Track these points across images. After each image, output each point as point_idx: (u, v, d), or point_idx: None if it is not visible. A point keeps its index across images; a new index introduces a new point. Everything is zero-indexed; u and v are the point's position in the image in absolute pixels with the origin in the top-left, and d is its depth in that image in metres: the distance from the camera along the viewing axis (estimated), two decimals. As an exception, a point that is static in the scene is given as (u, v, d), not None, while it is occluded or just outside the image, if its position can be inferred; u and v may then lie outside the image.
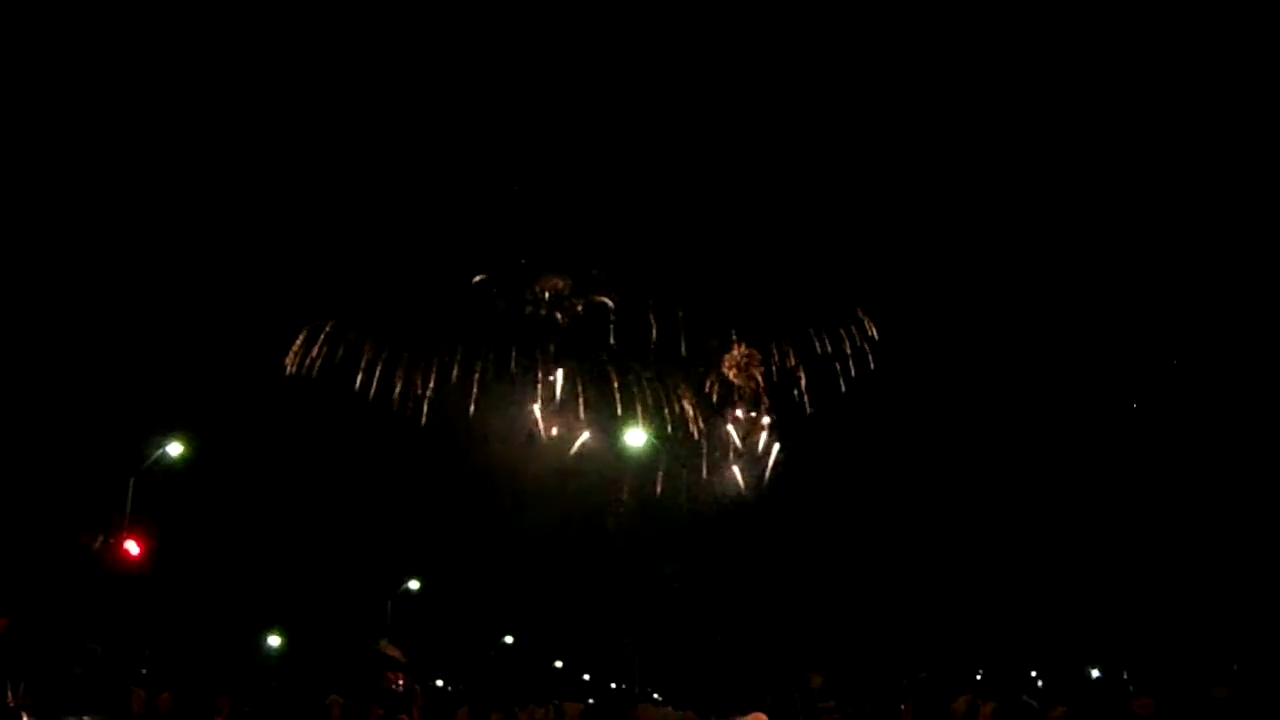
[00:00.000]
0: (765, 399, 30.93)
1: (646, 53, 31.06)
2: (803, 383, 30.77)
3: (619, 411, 30.80)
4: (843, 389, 30.64)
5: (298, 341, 29.35)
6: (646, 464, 31.84)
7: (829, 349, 30.37)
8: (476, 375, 29.50)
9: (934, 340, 34.98)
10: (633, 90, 31.27)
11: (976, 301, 35.06)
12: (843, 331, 30.34)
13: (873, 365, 30.09)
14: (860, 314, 30.23)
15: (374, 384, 29.42)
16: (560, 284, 30.39)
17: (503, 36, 30.74)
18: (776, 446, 31.27)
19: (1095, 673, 38.39)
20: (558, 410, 30.45)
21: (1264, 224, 31.59)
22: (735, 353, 30.90)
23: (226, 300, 32.46)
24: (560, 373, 30.39)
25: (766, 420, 31.13)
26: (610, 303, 30.15)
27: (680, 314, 30.36)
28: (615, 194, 30.93)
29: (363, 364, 29.30)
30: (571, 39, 30.58)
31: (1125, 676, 33.81)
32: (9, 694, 18.30)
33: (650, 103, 31.34)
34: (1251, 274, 32.41)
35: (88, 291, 30.73)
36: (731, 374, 30.87)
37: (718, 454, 31.27)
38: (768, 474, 31.23)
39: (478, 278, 29.97)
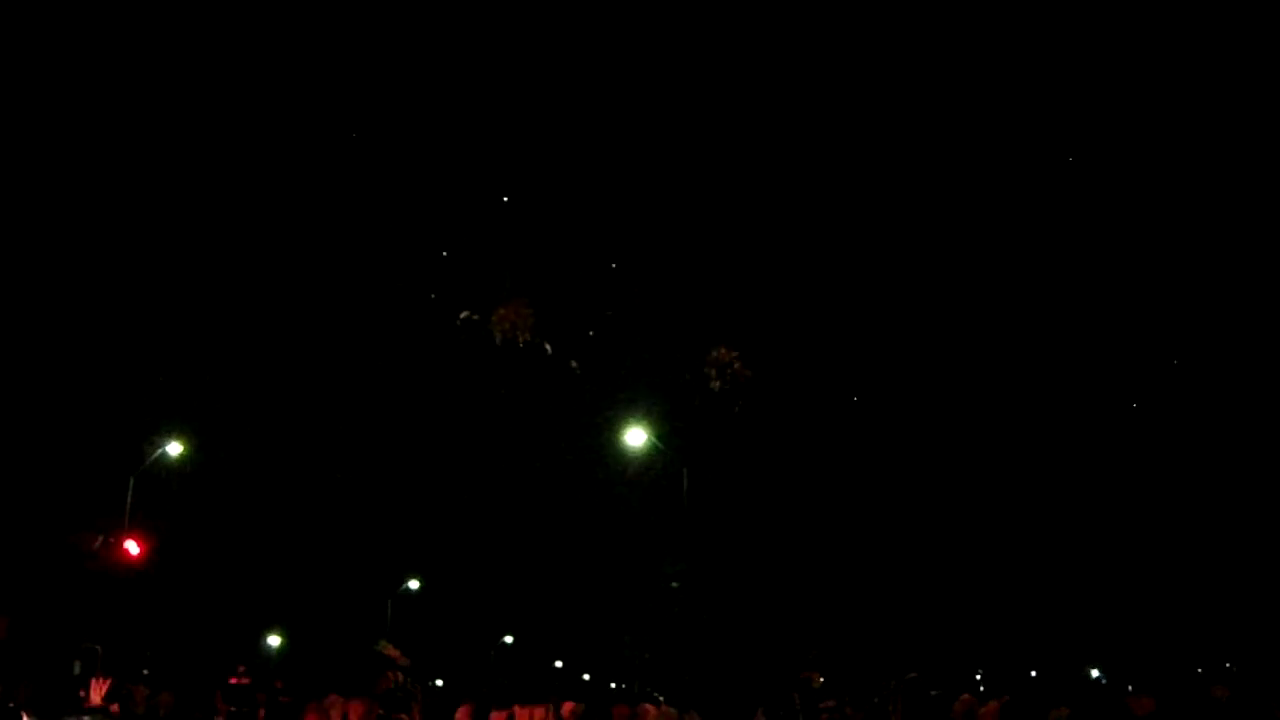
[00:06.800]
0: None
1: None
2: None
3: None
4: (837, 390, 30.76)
5: None
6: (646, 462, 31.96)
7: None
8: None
9: (933, 339, 35.03)
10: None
11: (979, 300, 35.09)
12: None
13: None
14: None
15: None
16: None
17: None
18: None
19: (1095, 673, 38.36)
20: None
21: (1264, 224, 31.62)
22: (717, 354, 31.03)
23: (225, 300, 32.51)
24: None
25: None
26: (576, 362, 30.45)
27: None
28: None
29: None
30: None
31: (1125, 676, 33.76)
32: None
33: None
34: (1252, 274, 32.44)
35: (87, 292, 30.76)
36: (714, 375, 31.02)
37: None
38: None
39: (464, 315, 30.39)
